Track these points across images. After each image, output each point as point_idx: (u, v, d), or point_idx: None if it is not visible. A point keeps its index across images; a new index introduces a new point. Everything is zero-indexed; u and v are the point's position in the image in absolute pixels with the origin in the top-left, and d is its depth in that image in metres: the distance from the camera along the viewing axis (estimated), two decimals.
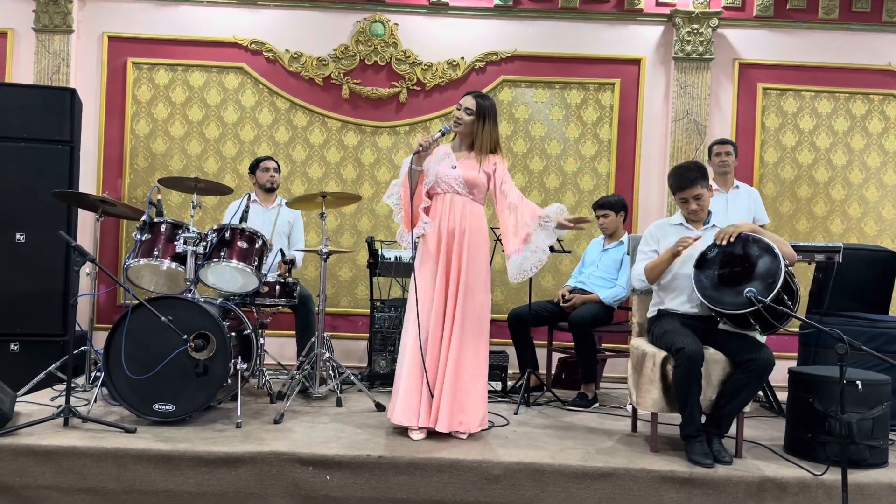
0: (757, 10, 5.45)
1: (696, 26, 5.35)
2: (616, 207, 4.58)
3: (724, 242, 3.17)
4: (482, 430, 3.38)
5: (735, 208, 4.40)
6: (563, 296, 4.48)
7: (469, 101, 3.38)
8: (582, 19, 5.47)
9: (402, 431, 3.34)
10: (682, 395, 3.09)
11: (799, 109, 5.48)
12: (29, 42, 5.37)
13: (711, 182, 3.55)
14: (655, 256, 3.42)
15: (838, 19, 5.44)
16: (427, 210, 3.39)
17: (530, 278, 4.40)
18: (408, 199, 3.33)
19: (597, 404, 4.23)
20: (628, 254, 4.30)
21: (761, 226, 4.47)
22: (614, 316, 4.52)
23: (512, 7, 5.46)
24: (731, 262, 3.14)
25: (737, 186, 4.55)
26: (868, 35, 5.45)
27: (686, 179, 3.35)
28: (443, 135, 3.39)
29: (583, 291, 4.51)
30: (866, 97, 5.46)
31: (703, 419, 3.15)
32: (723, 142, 4.61)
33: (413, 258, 3.46)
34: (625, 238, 4.51)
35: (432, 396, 3.27)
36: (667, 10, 5.41)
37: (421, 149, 3.30)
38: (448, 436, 3.28)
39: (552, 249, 4.19)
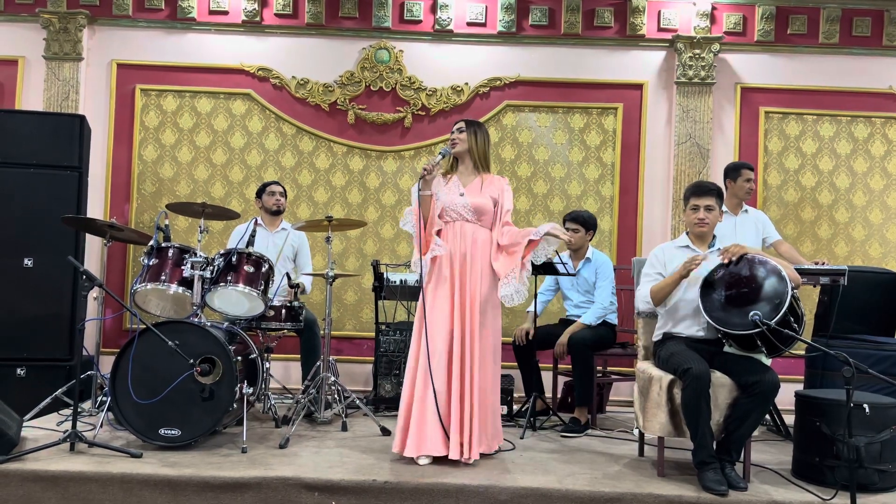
0: (758, 35, 5.50)
1: (697, 51, 5.41)
2: (588, 225, 4.54)
3: (727, 261, 3.19)
4: (489, 454, 3.36)
5: (743, 231, 4.43)
6: (526, 333, 4.41)
7: (458, 124, 3.58)
8: (584, 45, 5.54)
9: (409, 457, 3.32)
10: (692, 419, 3.07)
11: (801, 133, 5.51)
12: (39, 69, 5.44)
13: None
14: (660, 279, 3.43)
15: (839, 43, 5.49)
16: (440, 233, 3.45)
17: (535, 302, 4.47)
18: (420, 224, 3.38)
19: (589, 430, 4.17)
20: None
21: (773, 242, 4.52)
22: (617, 336, 4.52)
23: (515, 33, 5.52)
24: (738, 284, 3.14)
25: (745, 210, 4.57)
26: (869, 59, 5.50)
27: (703, 188, 3.45)
28: (443, 157, 3.50)
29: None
30: (868, 120, 5.49)
31: (714, 445, 3.12)
32: (752, 168, 4.56)
33: (419, 281, 3.48)
34: (590, 254, 4.51)
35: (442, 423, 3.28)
36: (668, 36, 5.47)
37: (426, 172, 3.37)
38: (453, 460, 3.26)
39: (557, 272, 4.24)
